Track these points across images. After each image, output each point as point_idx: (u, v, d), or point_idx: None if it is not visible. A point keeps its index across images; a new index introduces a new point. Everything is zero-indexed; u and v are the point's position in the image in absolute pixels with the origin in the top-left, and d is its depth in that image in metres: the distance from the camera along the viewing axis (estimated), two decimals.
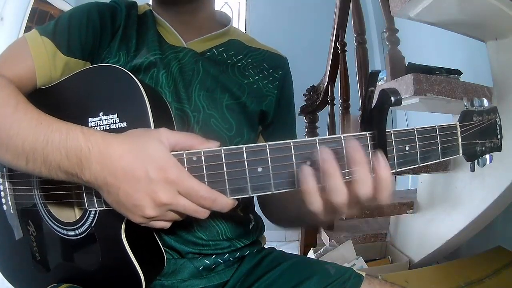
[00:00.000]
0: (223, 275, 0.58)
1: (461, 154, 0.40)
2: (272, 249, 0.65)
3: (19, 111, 0.40)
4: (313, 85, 1.95)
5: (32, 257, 0.53)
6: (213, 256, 0.56)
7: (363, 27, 1.48)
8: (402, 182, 2.41)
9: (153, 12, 0.60)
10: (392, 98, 0.33)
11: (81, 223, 0.46)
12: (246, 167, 0.36)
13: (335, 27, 1.72)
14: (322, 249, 1.52)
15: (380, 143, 0.35)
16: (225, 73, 0.59)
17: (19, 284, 0.57)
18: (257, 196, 0.45)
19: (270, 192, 0.36)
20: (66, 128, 0.37)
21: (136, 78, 0.44)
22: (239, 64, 0.62)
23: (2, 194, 0.54)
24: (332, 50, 1.76)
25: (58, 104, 0.48)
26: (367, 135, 0.36)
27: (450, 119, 1.34)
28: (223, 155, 0.36)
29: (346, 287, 0.53)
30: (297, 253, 1.40)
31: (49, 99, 0.49)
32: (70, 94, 0.49)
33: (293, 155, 0.36)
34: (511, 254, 1.21)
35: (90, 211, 0.45)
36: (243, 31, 1.84)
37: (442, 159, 0.39)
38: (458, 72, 1.21)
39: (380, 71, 0.37)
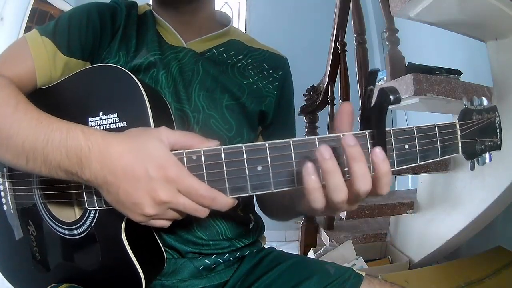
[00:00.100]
0: (223, 275, 0.59)
1: (460, 153, 0.40)
2: (272, 249, 0.65)
3: (19, 111, 0.40)
4: (313, 85, 1.95)
5: (32, 257, 0.53)
6: (213, 256, 0.56)
7: (363, 27, 1.48)
8: (402, 182, 2.41)
9: (153, 12, 0.60)
10: (391, 97, 0.33)
11: (81, 223, 0.46)
12: (246, 166, 0.36)
13: (335, 27, 1.71)
14: (322, 249, 1.52)
15: (379, 141, 0.35)
16: (225, 73, 0.59)
17: (19, 284, 0.57)
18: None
19: (270, 191, 0.36)
20: (66, 128, 0.37)
21: (136, 77, 0.44)
22: (239, 65, 0.62)
23: (2, 194, 0.54)
24: (332, 50, 1.76)
25: (58, 104, 0.48)
26: (367, 133, 0.36)
27: (450, 119, 1.33)
28: (222, 154, 0.36)
29: (346, 287, 0.53)
30: (297, 253, 1.40)
31: (49, 99, 0.50)
32: (70, 94, 0.49)
33: (293, 153, 0.36)
34: (511, 254, 1.21)
35: (90, 210, 0.45)
36: (243, 31, 1.84)
37: (442, 158, 0.39)
38: (458, 72, 1.21)
39: (379, 70, 0.36)
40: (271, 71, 0.64)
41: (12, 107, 0.40)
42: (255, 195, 0.41)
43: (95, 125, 0.44)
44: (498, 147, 0.42)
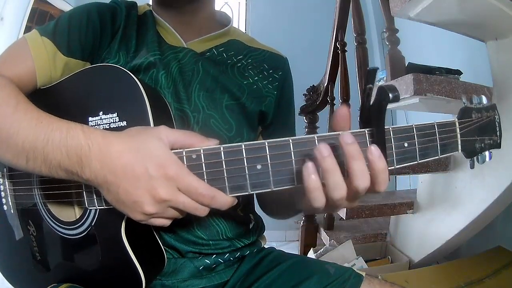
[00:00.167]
0: (223, 275, 0.59)
1: (460, 151, 0.40)
2: (272, 249, 0.65)
3: (19, 110, 0.40)
4: (313, 85, 1.95)
5: (32, 257, 0.53)
6: (213, 256, 0.56)
7: (363, 27, 1.48)
8: (402, 182, 2.41)
9: (153, 12, 0.60)
10: (390, 95, 0.33)
11: (81, 222, 0.46)
12: (245, 164, 0.36)
13: (335, 27, 1.72)
14: (322, 249, 1.52)
15: (378, 140, 0.35)
16: (225, 74, 0.59)
17: (19, 284, 0.57)
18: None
19: (270, 189, 0.37)
20: (67, 127, 0.38)
21: (136, 77, 0.44)
22: (239, 65, 0.62)
23: (2, 194, 0.55)
24: (332, 50, 1.76)
25: (58, 104, 0.48)
26: (366, 132, 0.36)
27: (450, 118, 1.34)
28: (222, 153, 0.37)
29: (346, 287, 0.53)
30: (297, 253, 1.40)
31: (49, 99, 0.50)
32: (70, 93, 0.49)
33: (292, 152, 0.36)
34: (511, 254, 1.21)
35: (90, 210, 0.45)
36: (243, 31, 1.84)
37: (442, 156, 0.39)
38: (458, 72, 1.21)
39: (377, 68, 0.36)
40: (271, 71, 0.64)
41: (12, 107, 0.40)
42: (255, 193, 0.41)
43: (95, 125, 0.44)
44: (498, 145, 0.42)
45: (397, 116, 2.60)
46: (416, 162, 0.38)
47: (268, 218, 0.69)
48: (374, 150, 0.33)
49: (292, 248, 2.27)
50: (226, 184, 0.37)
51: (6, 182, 0.54)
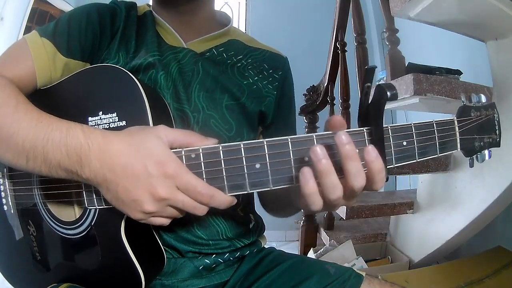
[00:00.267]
0: (223, 275, 0.59)
1: (459, 149, 0.40)
2: (272, 249, 0.65)
3: (19, 111, 0.40)
4: (313, 85, 1.95)
5: (32, 257, 0.53)
6: (213, 256, 0.56)
7: (363, 27, 1.48)
8: (402, 182, 2.41)
9: (153, 12, 0.60)
10: (388, 93, 0.33)
11: (81, 222, 0.47)
12: (244, 163, 0.36)
13: (335, 27, 1.72)
14: (322, 249, 1.52)
15: (377, 138, 0.35)
16: (225, 74, 0.60)
17: (19, 284, 0.57)
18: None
19: (269, 188, 0.37)
20: (67, 127, 0.38)
21: (135, 78, 0.44)
22: (239, 65, 0.62)
23: (3, 194, 0.55)
24: (332, 50, 1.76)
25: (58, 104, 0.48)
26: (364, 130, 0.36)
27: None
28: (221, 152, 0.37)
29: (346, 287, 0.53)
30: (297, 253, 1.40)
31: (49, 99, 0.50)
32: (70, 94, 0.49)
33: (291, 151, 0.36)
34: (511, 254, 1.21)
35: (90, 210, 0.45)
36: (243, 31, 1.84)
37: (441, 154, 0.39)
38: (458, 72, 1.21)
39: (376, 67, 0.37)
40: (271, 71, 0.64)
41: (12, 107, 0.40)
42: (256, 192, 0.41)
43: (95, 125, 0.44)
44: (497, 144, 0.42)
45: (397, 116, 2.60)
46: (415, 160, 0.38)
47: (268, 218, 0.69)
48: (371, 151, 0.33)
49: (292, 248, 2.27)
50: (225, 183, 0.37)
51: (6, 182, 0.54)
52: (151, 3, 0.63)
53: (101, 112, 0.44)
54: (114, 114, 0.43)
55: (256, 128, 0.64)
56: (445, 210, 1.30)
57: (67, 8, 2.27)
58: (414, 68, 1.15)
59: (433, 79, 1.05)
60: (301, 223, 1.79)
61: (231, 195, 0.38)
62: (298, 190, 0.35)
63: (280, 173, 0.36)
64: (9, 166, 0.53)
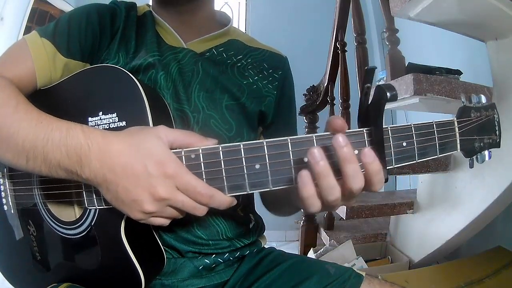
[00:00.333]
0: (223, 275, 0.59)
1: (459, 150, 0.40)
2: (272, 249, 0.65)
3: (19, 111, 0.40)
4: (313, 85, 1.95)
5: (32, 257, 0.53)
6: (213, 256, 0.57)
7: (363, 27, 1.48)
8: (402, 182, 2.41)
9: (153, 12, 0.60)
10: (388, 94, 0.33)
11: (81, 222, 0.47)
12: (244, 164, 0.36)
13: (335, 27, 1.72)
14: (322, 249, 1.52)
15: (376, 139, 0.35)
16: (225, 74, 0.60)
17: (19, 284, 0.57)
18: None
19: (268, 189, 0.37)
20: (66, 127, 0.38)
21: (135, 78, 0.44)
22: (239, 64, 0.62)
23: (3, 194, 0.55)
24: (332, 50, 1.76)
25: (58, 104, 0.48)
26: (364, 131, 0.36)
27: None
28: (221, 152, 0.37)
29: (346, 287, 0.53)
30: (297, 253, 1.40)
31: (49, 99, 0.50)
32: (70, 94, 0.49)
33: (291, 151, 0.36)
34: (511, 254, 1.21)
35: (90, 210, 0.45)
36: (243, 31, 1.84)
37: (440, 155, 0.39)
38: (458, 72, 1.21)
39: (375, 67, 0.37)
40: (270, 70, 0.64)
41: (12, 107, 0.40)
42: (257, 192, 0.41)
43: (95, 125, 0.44)
44: (497, 145, 0.42)
45: (397, 116, 2.60)
46: (414, 161, 0.38)
47: (268, 218, 0.69)
48: (368, 153, 0.33)
49: (292, 248, 2.27)
50: (225, 184, 0.37)
51: (6, 182, 0.54)
52: (151, 3, 0.63)
53: (101, 112, 0.44)
54: (114, 115, 0.43)
55: (256, 128, 0.64)
56: (445, 210, 1.30)
57: (67, 8, 2.27)
58: (414, 68, 1.15)
59: (433, 79, 1.05)
60: (301, 223, 1.79)
61: (230, 196, 0.38)
62: (296, 192, 0.35)
63: (279, 174, 0.36)
64: (9, 166, 0.53)
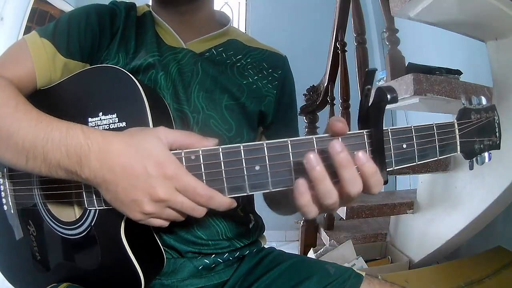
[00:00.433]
0: (223, 275, 0.59)
1: (459, 152, 0.40)
2: (272, 249, 0.65)
3: (19, 111, 0.40)
4: (313, 85, 1.95)
5: (32, 257, 0.53)
6: (213, 256, 0.57)
7: (363, 27, 1.48)
8: (402, 182, 2.41)
9: (152, 12, 0.60)
10: (388, 96, 0.33)
11: (81, 222, 0.47)
12: (244, 165, 0.36)
13: (335, 27, 1.72)
14: (322, 249, 1.52)
15: (377, 141, 0.35)
16: (225, 74, 0.59)
17: (19, 284, 0.57)
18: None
19: (268, 190, 0.37)
20: (66, 127, 0.38)
21: (135, 78, 0.44)
22: (238, 64, 0.62)
23: (3, 194, 0.55)
24: (332, 50, 1.76)
25: (58, 104, 0.48)
26: (364, 133, 0.36)
27: (450, 119, 1.33)
28: (221, 153, 0.37)
29: (346, 287, 0.53)
30: (297, 253, 1.40)
31: (49, 100, 0.50)
32: (69, 94, 0.49)
33: (290, 153, 0.36)
34: (511, 254, 1.21)
35: (90, 210, 0.45)
36: (243, 31, 1.84)
37: (440, 157, 0.39)
38: (458, 72, 1.21)
39: (376, 69, 0.37)
40: (270, 70, 0.64)
41: (12, 108, 0.40)
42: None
43: (95, 125, 0.44)
44: (497, 147, 0.42)
45: (397, 116, 2.60)
46: (414, 163, 0.38)
47: (268, 218, 0.69)
48: (361, 156, 0.33)
49: (292, 248, 2.27)
50: (225, 185, 0.37)
51: (6, 182, 0.54)
52: (150, 3, 0.63)
53: (101, 113, 0.44)
54: (114, 115, 0.43)
55: (256, 128, 0.64)
56: (445, 210, 1.30)
57: (67, 8, 2.27)
58: (414, 68, 1.15)
59: (433, 79, 1.05)
60: (301, 223, 1.79)
61: (230, 197, 0.38)
62: (292, 200, 0.35)
63: (279, 175, 0.36)
64: (9, 167, 0.53)
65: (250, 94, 0.60)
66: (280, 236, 2.63)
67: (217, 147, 0.37)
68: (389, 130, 0.37)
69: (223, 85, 0.58)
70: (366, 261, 1.42)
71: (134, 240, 0.44)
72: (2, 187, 0.54)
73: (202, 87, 0.57)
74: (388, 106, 0.35)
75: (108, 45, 0.55)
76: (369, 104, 0.36)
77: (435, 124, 0.39)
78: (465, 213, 1.20)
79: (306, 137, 0.36)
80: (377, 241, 1.66)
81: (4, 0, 1.86)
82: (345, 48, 1.66)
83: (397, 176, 2.38)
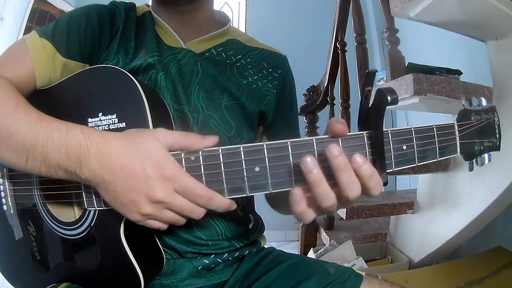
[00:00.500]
0: (222, 275, 0.59)
1: (459, 154, 0.40)
2: (271, 249, 0.65)
3: (18, 111, 0.40)
4: (313, 85, 1.95)
5: (32, 257, 0.53)
6: (212, 256, 0.57)
7: (363, 27, 1.48)
8: (402, 182, 2.41)
9: (152, 13, 0.60)
10: (389, 97, 0.33)
11: (80, 223, 0.47)
12: (244, 166, 0.36)
13: (335, 27, 1.72)
14: (322, 249, 1.52)
15: (377, 142, 0.35)
16: (224, 74, 0.59)
17: (19, 284, 0.57)
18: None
19: (268, 192, 0.37)
20: (66, 127, 0.38)
21: (135, 79, 0.44)
22: (238, 64, 0.62)
23: (2, 194, 0.55)
24: (332, 50, 1.76)
25: (57, 105, 0.48)
26: (364, 134, 0.36)
27: (450, 119, 1.34)
28: (220, 154, 0.37)
29: (346, 287, 0.53)
30: (297, 253, 1.40)
31: (49, 100, 0.50)
32: (69, 94, 0.49)
33: (290, 154, 0.36)
34: (511, 254, 1.21)
35: (90, 210, 0.45)
36: (243, 31, 1.84)
37: (440, 159, 0.39)
38: (458, 72, 1.21)
39: (377, 71, 0.37)
40: (270, 70, 0.64)
41: (11, 108, 0.40)
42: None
43: (95, 126, 0.44)
44: (497, 148, 0.42)
45: (397, 116, 2.60)
46: (414, 164, 0.38)
47: (268, 218, 0.69)
48: (358, 159, 0.33)
49: (292, 248, 2.27)
50: (224, 186, 0.37)
51: (6, 182, 0.54)
52: (150, 3, 0.63)
53: (100, 113, 0.44)
54: (114, 116, 0.43)
55: (256, 128, 0.64)
56: (445, 210, 1.30)
57: (67, 8, 2.27)
58: (414, 68, 1.15)
59: (433, 79, 1.05)
60: (301, 223, 1.79)
61: (230, 199, 0.38)
62: (289, 207, 0.36)
63: (279, 177, 0.36)
64: (8, 167, 0.53)
65: (250, 94, 0.60)
66: (280, 236, 2.63)
67: (217, 148, 0.37)
68: (389, 131, 0.37)
69: (223, 85, 0.58)
70: (366, 261, 1.42)
71: (133, 240, 0.44)
72: (2, 187, 0.54)
73: (202, 87, 0.57)
74: (388, 107, 0.35)
75: (108, 45, 0.55)
76: (369, 106, 0.36)
77: (435, 125, 0.39)
78: (465, 213, 1.20)
79: (306, 138, 0.36)
80: (377, 241, 1.66)
81: (4, 0, 1.86)
82: (345, 48, 1.66)
83: (397, 176, 2.38)
